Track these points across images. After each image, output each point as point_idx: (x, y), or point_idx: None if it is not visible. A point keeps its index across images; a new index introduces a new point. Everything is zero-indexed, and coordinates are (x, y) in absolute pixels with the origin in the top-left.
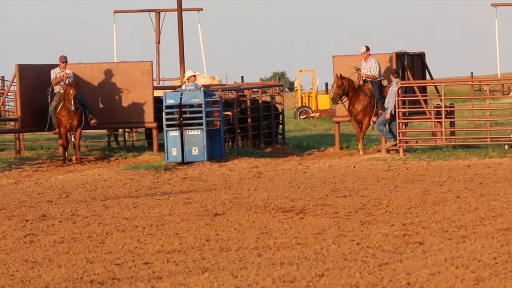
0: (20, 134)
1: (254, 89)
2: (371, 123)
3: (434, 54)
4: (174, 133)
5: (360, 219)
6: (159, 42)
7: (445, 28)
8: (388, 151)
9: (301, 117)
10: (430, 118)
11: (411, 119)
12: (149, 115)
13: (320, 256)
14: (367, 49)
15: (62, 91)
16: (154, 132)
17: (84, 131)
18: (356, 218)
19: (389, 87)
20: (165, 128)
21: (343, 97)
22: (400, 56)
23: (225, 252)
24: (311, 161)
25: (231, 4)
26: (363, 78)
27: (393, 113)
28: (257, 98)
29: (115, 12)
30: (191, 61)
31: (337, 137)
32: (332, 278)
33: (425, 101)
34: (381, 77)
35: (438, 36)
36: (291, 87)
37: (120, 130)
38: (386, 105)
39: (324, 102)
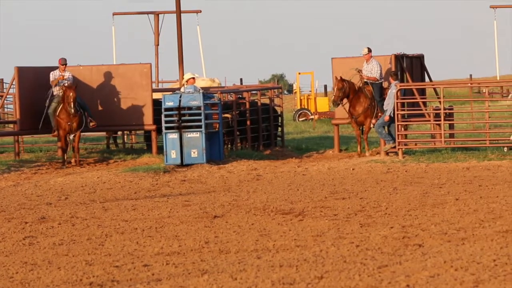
0: (19, 136)
1: (253, 92)
2: (371, 125)
3: (433, 56)
4: (173, 136)
5: (359, 221)
6: (158, 44)
7: (444, 30)
8: (387, 153)
9: (300, 119)
10: (429, 120)
11: (410, 121)
12: (148, 118)
13: (320, 258)
14: (369, 50)
15: (61, 93)
16: (153, 134)
17: (83, 133)
18: (355, 220)
19: (388, 89)
20: (164, 131)
21: (344, 100)
22: (399, 58)
23: (224, 254)
24: (310, 164)
25: (230, 6)
26: (364, 80)
27: (392, 115)
28: (256, 100)
29: (114, 14)
30: (190, 63)
31: (336, 139)
32: (331, 280)
33: (424, 103)
34: (382, 79)
35: (437, 38)
36: (290, 89)
37: (119, 133)
38: (385, 108)
39: (323, 105)
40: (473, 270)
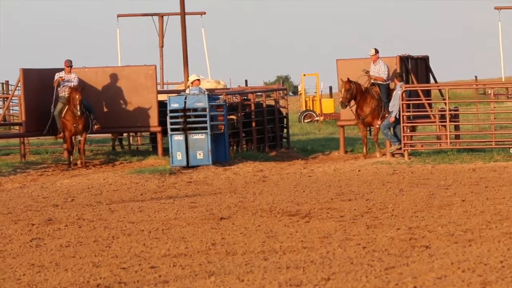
0: (25, 138)
1: (258, 93)
2: (377, 126)
3: (438, 57)
4: (178, 137)
5: (366, 223)
6: (163, 46)
7: (448, 31)
8: (393, 154)
9: (306, 121)
10: (435, 122)
11: (416, 122)
12: (153, 119)
13: (326, 260)
14: (376, 51)
15: (67, 95)
16: (159, 136)
17: (89, 135)
18: (361, 221)
19: (393, 90)
20: (169, 132)
21: (351, 101)
22: (404, 59)
23: (231, 256)
24: (316, 165)
25: (235, 7)
26: (372, 81)
27: (398, 117)
28: (261, 102)
29: (119, 16)
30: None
31: (341, 140)
32: (338, 282)
33: (430, 105)
34: (389, 80)
35: (441, 39)
36: (295, 91)
37: (125, 134)
38: (390, 109)
39: (329, 106)
40: (480, 271)
